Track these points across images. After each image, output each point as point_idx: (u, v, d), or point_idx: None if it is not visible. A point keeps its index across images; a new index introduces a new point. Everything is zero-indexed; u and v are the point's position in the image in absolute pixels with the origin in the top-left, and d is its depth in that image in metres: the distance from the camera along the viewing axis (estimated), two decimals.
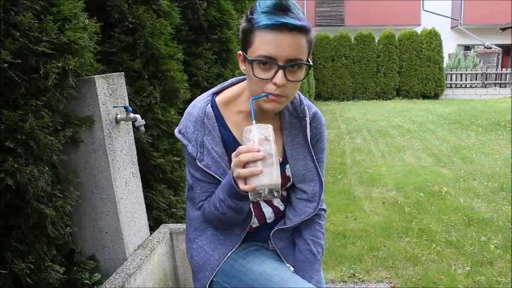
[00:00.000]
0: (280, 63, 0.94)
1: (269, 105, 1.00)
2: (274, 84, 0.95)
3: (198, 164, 1.07)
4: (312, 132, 1.16)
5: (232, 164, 0.95)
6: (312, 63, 1.01)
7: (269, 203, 1.21)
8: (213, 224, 1.17)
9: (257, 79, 0.96)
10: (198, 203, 1.16)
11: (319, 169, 1.17)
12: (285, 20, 0.90)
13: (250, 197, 0.94)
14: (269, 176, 0.91)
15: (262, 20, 0.91)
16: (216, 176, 1.08)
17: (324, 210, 1.26)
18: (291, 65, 0.95)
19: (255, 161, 0.90)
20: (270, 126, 0.94)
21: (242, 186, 0.92)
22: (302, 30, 0.93)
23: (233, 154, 0.95)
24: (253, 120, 0.96)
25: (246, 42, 0.97)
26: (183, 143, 1.09)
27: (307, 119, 1.15)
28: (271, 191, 0.92)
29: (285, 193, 1.24)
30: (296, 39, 0.93)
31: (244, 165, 0.91)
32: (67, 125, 1.52)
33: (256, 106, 1.05)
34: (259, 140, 0.92)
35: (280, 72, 0.94)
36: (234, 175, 0.94)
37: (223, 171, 1.08)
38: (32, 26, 1.30)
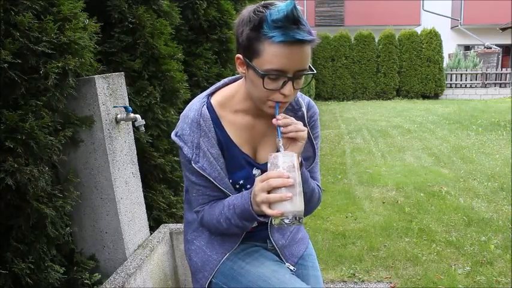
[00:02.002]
0: (290, 75, 0.95)
1: (273, 110, 1.02)
2: (282, 94, 0.97)
3: (194, 165, 1.07)
4: (307, 120, 1.17)
5: (256, 188, 0.96)
6: (315, 71, 1.03)
7: None
8: (210, 231, 1.19)
9: (266, 89, 0.97)
10: (195, 207, 1.16)
11: (316, 151, 1.19)
12: (299, 37, 0.90)
13: (273, 221, 0.95)
14: (295, 203, 0.93)
15: (276, 35, 0.90)
16: (211, 179, 1.08)
17: (319, 186, 1.24)
18: (298, 76, 0.97)
19: (283, 187, 0.92)
20: (295, 155, 0.97)
21: (268, 211, 0.93)
22: (311, 42, 0.94)
23: (258, 179, 0.96)
24: (279, 138, 0.99)
25: (252, 51, 0.95)
26: (179, 145, 1.09)
27: (304, 109, 1.16)
28: (295, 218, 0.93)
29: None
30: (305, 50, 0.94)
31: (270, 190, 0.93)
32: (67, 125, 1.52)
33: (255, 107, 1.07)
34: (288, 167, 0.94)
35: (289, 83, 0.96)
36: (259, 199, 0.95)
37: (218, 174, 1.09)
38: (32, 26, 1.30)
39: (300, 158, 1.06)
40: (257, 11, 0.93)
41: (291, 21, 0.89)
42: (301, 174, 1.07)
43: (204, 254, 1.20)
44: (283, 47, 0.91)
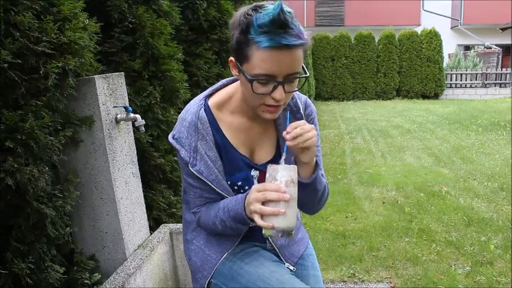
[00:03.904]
0: (279, 80, 0.94)
1: (268, 115, 1.02)
2: (273, 98, 0.97)
3: (191, 169, 1.07)
4: (304, 119, 1.17)
5: (251, 197, 0.96)
6: (308, 74, 1.02)
7: None
8: (207, 231, 1.20)
9: (256, 94, 0.97)
10: (192, 208, 1.17)
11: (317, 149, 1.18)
12: (286, 42, 0.88)
13: (263, 232, 0.95)
14: (287, 219, 0.93)
15: (262, 41, 0.89)
16: (208, 182, 1.08)
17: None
18: (289, 80, 0.96)
19: (279, 201, 0.92)
20: (295, 169, 0.96)
21: (260, 222, 0.93)
22: (301, 45, 0.92)
23: (255, 188, 0.96)
24: (284, 153, 0.98)
25: (241, 55, 0.95)
26: (176, 148, 1.09)
27: (302, 111, 1.16)
28: (284, 232, 0.93)
29: None
30: (294, 55, 0.92)
31: (265, 202, 0.93)
32: (67, 125, 1.52)
33: (251, 112, 1.07)
34: (286, 181, 0.93)
35: (280, 87, 0.95)
36: (252, 208, 0.95)
37: (215, 177, 1.09)
38: (32, 26, 1.30)
39: (314, 159, 1.06)
40: (246, 14, 0.91)
41: (277, 25, 0.88)
42: (316, 176, 1.07)
43: (203, 253, 1.20)
44: (271, 52, 0.90)
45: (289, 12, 0.89)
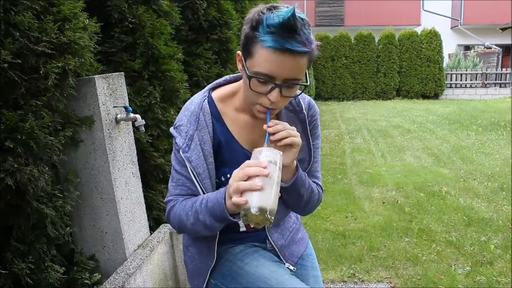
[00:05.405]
0: (278, 82, 0.94)
1: (262, 115, 1.02)
2: (269, 99, 0.96)
3: (181, 154, 1.06)
4: (307, 120, 1.17)
5: (232, 179, 0.92)
6: (309, 83, 1.01)
7: None
8: (174, 226, 1.13)
9: (253, 91, 0.97)
10: (169, 196, 1.12)
11: (312, 158, 1.18)
12: (290, 46, 0.88)
13: (240, 215, 0.89)
14: (265, 196, 0.87)
15: (267, 40, 0.89)
16: (193, 174, 1.06)
17: (320, 186, 1.23)
18: (288, 85, 0.95)
19: (258, 176, 0.88)
20: (280, 153, 0.94)
21: (235, 198, 0.88)
22: (305, 53, 0.92)
23: (236, 170, 0.93)
24: (266, 144, 0.97)
25: (246, 51, 0.95)
26: (173, 136, 1.09)
27: (305, 111, 1.15)
28: (262, 211, 0.86)
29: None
30: (297, 61, 0.92)
31: (246, 180, 0.90)
32: (67, 125, 1.52)
33: (249, 111, 1.07)
34: (268, 161, 0.91)
35: (276, 89, 0.95)
36: (232, 189, 0.90)
37: (202, 171, 1.06)
38: (32, 26, 1.30)
39: (295, 162, 1.05)
40: (260, 12, 0.92)
41: (285, 29, 0.88)
42: (298, 177, 1.07)
43: (196, 264, 1.20)
44: (274, 53, 0.90)
45: (301, 18, 0.89)
